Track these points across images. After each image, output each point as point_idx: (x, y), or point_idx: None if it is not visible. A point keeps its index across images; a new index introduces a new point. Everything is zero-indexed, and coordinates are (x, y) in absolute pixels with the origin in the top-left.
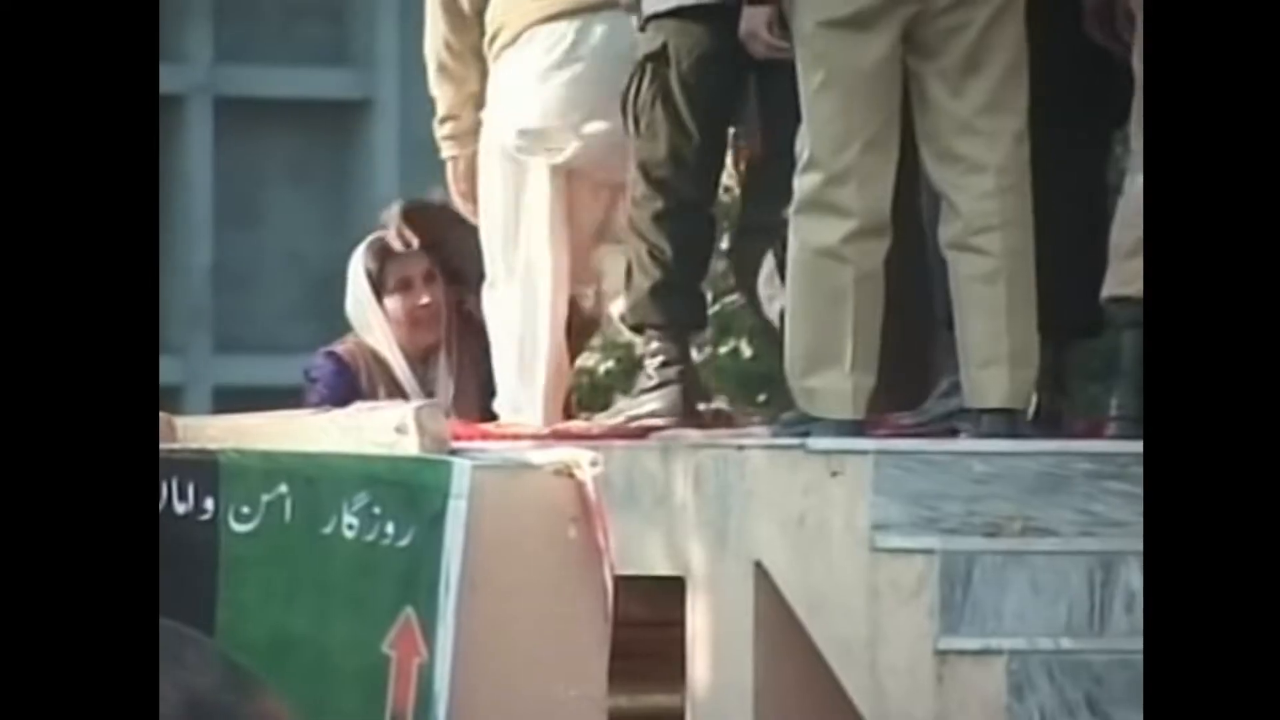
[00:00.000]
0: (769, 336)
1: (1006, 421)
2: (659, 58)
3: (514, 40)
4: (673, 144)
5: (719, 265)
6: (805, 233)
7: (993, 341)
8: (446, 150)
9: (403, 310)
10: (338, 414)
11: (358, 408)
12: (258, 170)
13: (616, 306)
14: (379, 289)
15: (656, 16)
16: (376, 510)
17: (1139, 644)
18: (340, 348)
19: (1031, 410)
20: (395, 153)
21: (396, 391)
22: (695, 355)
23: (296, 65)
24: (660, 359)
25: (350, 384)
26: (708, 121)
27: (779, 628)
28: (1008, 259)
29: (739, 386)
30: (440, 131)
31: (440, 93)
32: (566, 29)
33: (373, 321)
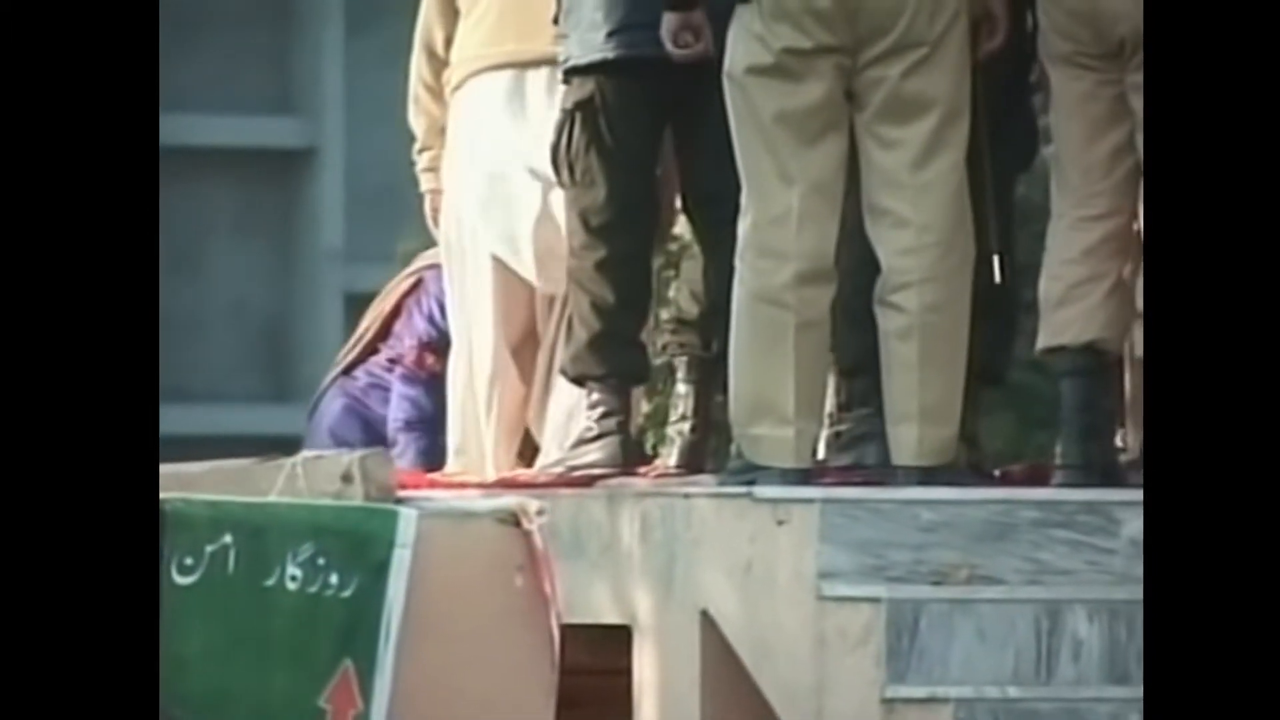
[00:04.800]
0: (721, 385)
1: (920, 477)
2: (587, 106)
3: (460, 85)
4: (610, 189)
5: (664, 314)
6: (747, 278)
7: (905, 398)
8: (423, 183)
9: None
10: (284, 462)
11: (304, 456)
12: (201, 219)
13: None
14: None
15: (580, 68)
16: (321, 561)
17: (1085, 692)
18: None
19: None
20: (340, 201)
21: None
22: (645, 405)
23: (240, 114)
24: (600, 410)
25: None
26: (640, 167)
27: (726, 676)
28: (924, 316)
29: None
30: (418, 164)
31: (415, 125)
32: (503, 82)
33: None
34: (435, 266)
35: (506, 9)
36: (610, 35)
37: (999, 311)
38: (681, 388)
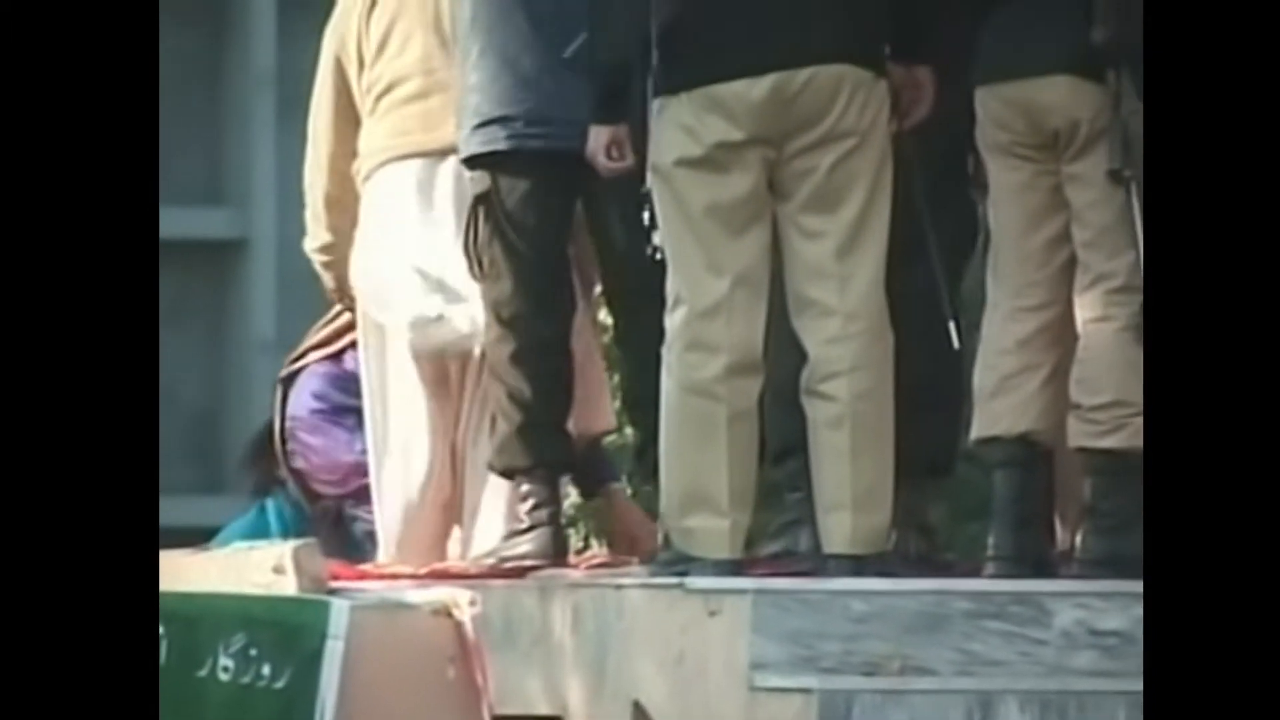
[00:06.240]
0: (645, 476)
1: (853, 566)
2: (487, 198)
3: (369, 177)
4: (517, 279)
5: None
6: (677, 371)
7: (837, 488)
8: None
9: None
10: (216, 554)
11: (235, 548)
12: None
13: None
14: None
15: (473, 160)
16: (253, 652)
17: None
18: None
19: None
20: (273, 292)
21: None
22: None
23: (172, 205)
24: (530, 502)
25: None
26: (546, 255)
27: None
28: (854, 404)
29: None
30: (318, 261)
31: (315, 237)
32: (411, 172)
33: None
34: None
35: (410, 100)
36: (484, 127)
37: (947, 401)
38: None
